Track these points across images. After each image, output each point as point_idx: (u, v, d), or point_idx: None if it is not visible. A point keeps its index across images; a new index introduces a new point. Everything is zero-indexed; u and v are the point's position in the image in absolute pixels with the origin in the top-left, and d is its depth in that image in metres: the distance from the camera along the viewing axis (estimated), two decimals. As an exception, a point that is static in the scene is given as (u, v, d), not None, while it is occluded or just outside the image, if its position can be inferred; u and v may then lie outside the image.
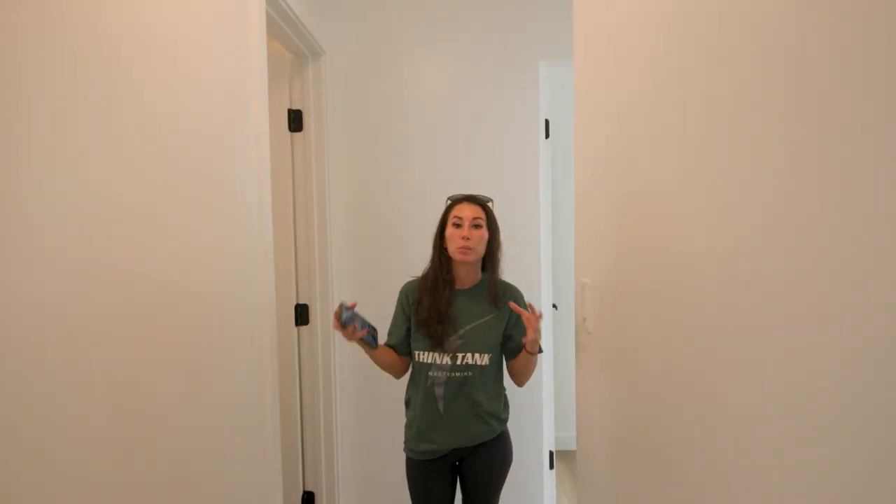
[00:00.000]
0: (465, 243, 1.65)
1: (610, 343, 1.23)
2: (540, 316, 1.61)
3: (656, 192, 0.92)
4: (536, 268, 2.44)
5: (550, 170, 2.67)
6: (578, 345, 1.51)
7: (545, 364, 2.51)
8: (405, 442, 1.79)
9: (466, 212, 1.68)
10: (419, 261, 1.83)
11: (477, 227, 1.68)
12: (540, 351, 1.71)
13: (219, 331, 1.29)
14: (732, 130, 0.66)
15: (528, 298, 2.15)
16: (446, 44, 2.42)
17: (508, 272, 2.40)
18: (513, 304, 1.63)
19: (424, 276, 1.75)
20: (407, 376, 1.83)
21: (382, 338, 1.80)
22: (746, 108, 0.62)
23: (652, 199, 0.95)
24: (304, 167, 2.30)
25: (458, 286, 1.74)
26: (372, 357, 1.73)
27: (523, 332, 1.69)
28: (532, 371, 1.75)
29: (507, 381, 1.82)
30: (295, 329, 2.30)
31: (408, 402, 1.80)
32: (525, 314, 1.59)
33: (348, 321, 1.56)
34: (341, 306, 1.55)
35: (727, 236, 0.68)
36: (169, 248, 1.07)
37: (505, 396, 1.82)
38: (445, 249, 1.71)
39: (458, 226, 1.68)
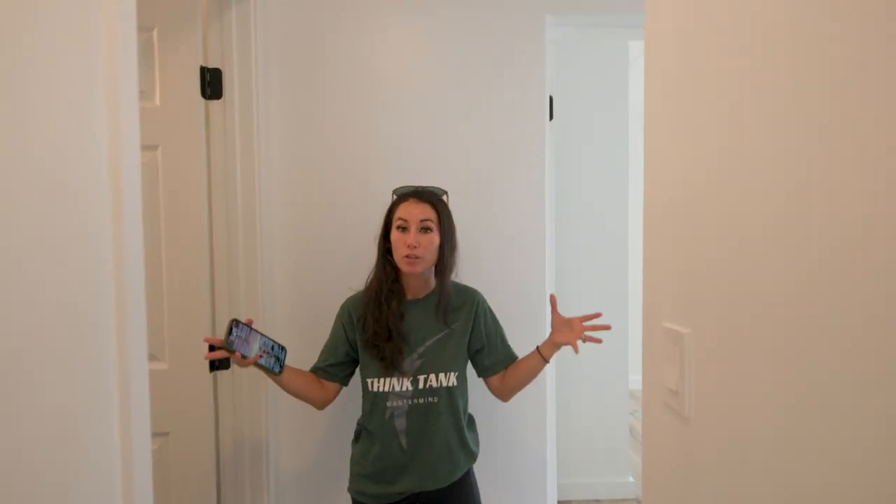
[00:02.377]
0: (409, 251, 1.38)
1: (733, 444, 0.65)
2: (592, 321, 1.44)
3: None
4: (541, 285, 1.84)
5: (555, 161, 2.09)
6: (653, 433, 0.92)
7: (547, 415, 1.90)
8: (350, 481, 1.49)
9: (413, 212, 1.40)
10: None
11: (426, 230, 1.40)
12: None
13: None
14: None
15: (532, 324, 1.84)
16: (423, -12, 1.80)
17: (507, 292, 1.81)
18: (553, 298, 1.49)
19: (368, 288, 1.47)
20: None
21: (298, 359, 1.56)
22: None
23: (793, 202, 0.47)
24: (224, 148, 1.65)
25: (409, 296, 1.47)
26: (277, 384, 1.45)
27: (498, 341, 1.52)
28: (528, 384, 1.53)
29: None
30: (209, 377, 1.64)
31: (358, 434, 1.51)
32: (562, 319, 1.45)
33: (236, 343, 1.27)
34: (231, 325, 1.26)
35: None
36: None
37: (474, 423, 1.58)
38: (391, 254, 1.44)
39: (403, 229, 1.40)
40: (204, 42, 1.63)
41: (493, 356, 1.51)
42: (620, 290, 2.60)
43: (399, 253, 1.40)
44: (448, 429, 1.44)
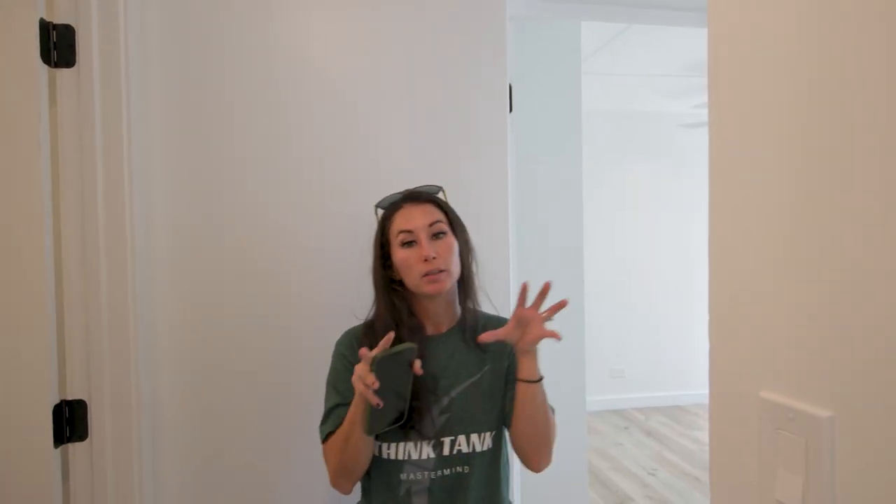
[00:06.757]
0: (430, 266, 1.08)
1: None
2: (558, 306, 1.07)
3: None
4: (504, 305, 1.48)
5: (516, 160, 1.76)
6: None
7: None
8: None
9: (415, 217, 1.12)
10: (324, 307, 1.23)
11: (438, 235, 1.13)
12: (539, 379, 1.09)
13: None
14: None
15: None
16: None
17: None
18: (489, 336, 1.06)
19: (372, 330, 1.13)
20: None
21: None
22: None
23: None
24: (79, 135, 1.20)
25: (430, 331, 1.16)
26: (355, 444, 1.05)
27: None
28: (546, 431, 1.11)
29: None
30: (54, 452, 1.17)
31: None
32: (523, 313, 1.05)
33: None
34: None
35: None
36: None
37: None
38: (396, 283, 1.15)
39: (409, 244, 1.10)
40: (47, -13, 1.18)
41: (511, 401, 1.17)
42: (576, 300, 2.28)
43: (415, 273, 1.09)
44: None
